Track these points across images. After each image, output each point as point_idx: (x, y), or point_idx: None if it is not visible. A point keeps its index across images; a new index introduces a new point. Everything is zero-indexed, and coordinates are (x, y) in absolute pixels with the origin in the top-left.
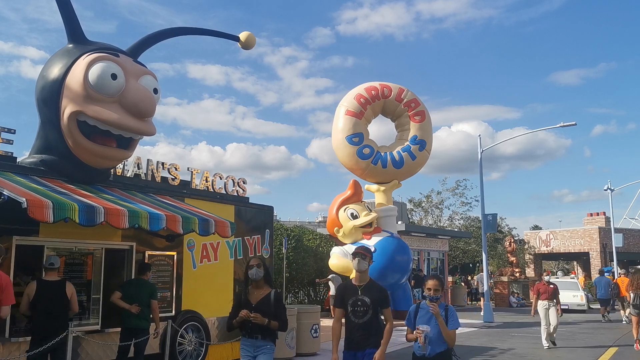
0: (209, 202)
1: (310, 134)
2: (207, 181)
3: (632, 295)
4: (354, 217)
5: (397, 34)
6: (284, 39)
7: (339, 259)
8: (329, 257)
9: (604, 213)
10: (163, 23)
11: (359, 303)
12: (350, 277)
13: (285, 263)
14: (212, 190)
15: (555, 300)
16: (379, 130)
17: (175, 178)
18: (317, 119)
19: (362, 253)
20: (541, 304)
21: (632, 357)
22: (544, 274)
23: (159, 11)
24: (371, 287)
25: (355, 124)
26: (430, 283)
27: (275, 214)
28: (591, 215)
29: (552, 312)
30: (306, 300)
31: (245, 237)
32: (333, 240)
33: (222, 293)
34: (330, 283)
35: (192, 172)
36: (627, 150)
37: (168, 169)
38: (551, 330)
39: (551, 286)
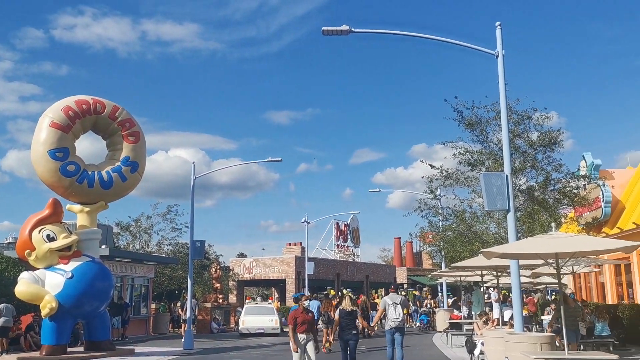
0: None
1: (7, 144)
2: None
3: (322, 313)
4: (51, 239)
5: (119, 49)
6: None
7: (28, 285)
8: (17, 283)
9: (301, 243)
10: None
11: None
12: (44, 307)
13: None
14: None
15: (311, 333)
16: (90, 147)
17: None
18: (19, 128)
19: None
20: (298, 338)
21: None
22: (303, 298)
23: None
24: None
25: (60, 138)
26: None
27: None
28: (290, 245)
29: (310, 348)
30: None
31: None
32: (23, 265)
33: None
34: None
35: None
36: (324, 188)
37: None
38: None
39: (309, 314)
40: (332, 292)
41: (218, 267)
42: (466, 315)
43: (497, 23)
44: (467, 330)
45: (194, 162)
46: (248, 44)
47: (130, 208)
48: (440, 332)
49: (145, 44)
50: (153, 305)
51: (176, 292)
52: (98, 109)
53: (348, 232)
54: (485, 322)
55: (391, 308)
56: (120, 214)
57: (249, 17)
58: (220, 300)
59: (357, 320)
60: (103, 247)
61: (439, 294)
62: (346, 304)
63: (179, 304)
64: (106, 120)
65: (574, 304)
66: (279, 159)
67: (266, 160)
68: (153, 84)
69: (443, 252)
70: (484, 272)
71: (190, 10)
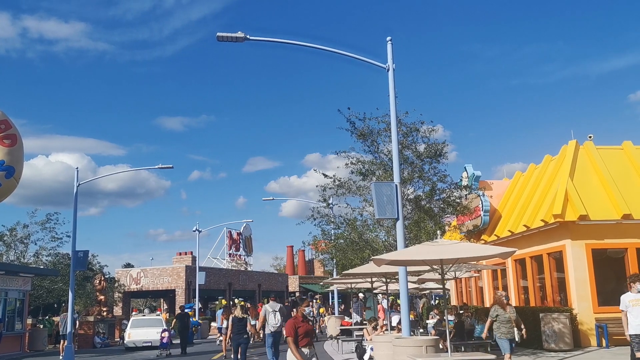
0: None
1: None
2: None
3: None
4: None
5: None
6: None
7: None
8: None
9: (192, 252)
10: None
11: None
12: None
13: None
14: None
15: (313, 347)
16: None
17: None
18: None
19: None
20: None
21: None
22: (304, 304)
23: None
24: None
25: None
26: None
27: None
28: (180, 254)
29: None
30: None
31: None
32: None
33: None
34: None
35: None
36: (217, 196)
37: None
38: None
39: (311, 324)
40: (224, 302)
41: (102, 278)
42: (358, 322)
43: (388, 38)
44: (357, 336)
45: (77, 168)
46: (140, 46)
47: (5, 216)
48: (331, 339)
49: (26, 41)
50: (29, 320)
51: (55, 305)
52: None
53: (240, 240)
54: (375, 328)
55: (271, 315)
56: None
57: (141, 18)
58: (105, 313)
59: (248, 326)
60: None
61: (315, 301)
62: (237, 313)
63: (60, 317)
64: None
65: (509, 309)
66: (170, 165)
67: (156, 167)
68: (34, 84)
69: (335, 260)
70: (374, 279)
71: (76, 8)
